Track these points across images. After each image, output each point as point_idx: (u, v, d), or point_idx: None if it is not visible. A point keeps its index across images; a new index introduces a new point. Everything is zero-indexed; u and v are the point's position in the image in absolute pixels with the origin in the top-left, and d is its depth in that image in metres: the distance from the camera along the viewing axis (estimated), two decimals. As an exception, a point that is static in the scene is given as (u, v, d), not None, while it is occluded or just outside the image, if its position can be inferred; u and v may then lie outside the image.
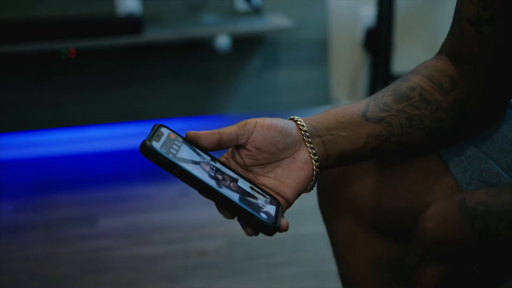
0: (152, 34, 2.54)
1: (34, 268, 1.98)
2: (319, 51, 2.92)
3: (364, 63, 3.04)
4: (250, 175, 0.80)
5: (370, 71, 2.95)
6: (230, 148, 0.81)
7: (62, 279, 1.92)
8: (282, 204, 0.78)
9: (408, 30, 3.01)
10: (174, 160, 0.73)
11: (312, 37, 2.89)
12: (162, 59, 2.81)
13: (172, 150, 0.75)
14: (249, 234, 0.75)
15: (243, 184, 0.78)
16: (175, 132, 0.79)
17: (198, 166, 0.75)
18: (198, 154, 0.78)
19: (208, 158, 0.79)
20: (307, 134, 0.80)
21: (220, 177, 0.76)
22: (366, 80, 3.01)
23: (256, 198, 0.76)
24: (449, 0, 2.96)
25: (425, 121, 0.84)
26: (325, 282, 1.80)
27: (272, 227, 0.74)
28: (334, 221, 0.98)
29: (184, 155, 0.75)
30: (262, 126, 0.78)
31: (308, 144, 0.79)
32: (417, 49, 3.06)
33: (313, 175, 0.80)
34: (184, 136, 0.79)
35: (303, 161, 0.79)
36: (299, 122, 0.80)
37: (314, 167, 0.79)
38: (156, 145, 0.74)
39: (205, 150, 0.79)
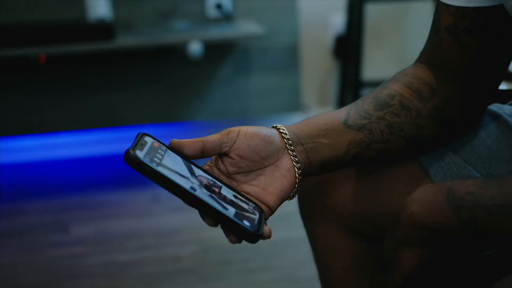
0: (123, 40, 2.53)
1: (4, 277, 1.95)
2: (290, 58, 2.94)
3: (334, 70, 3.07)
4: (233, 183, 0.81)
5: (340, 78, 2.98)
6: (214, 156, 0.81)
7: (34, 287, 1.90)
8: (265, 211, 0.79)
9: (377, 37, 3.05)
10: (158, 169, 0.74)
11: (283, 44, 2.91)
12: (133, 66, 2.80)
13: (155, 159, 0.75)
14: (232, 242, 0.76)
15: (226, 192, 0.78)
16: (158, 141, 0.79)
17: (181, 174, 0.76)
18: (182, 163, 0.78)
19: (192, 166, 0.79)
20: (289, 142, 0.81)
21: (203, 185, 0.77)
22: (336, 87, 3.04)
23: (239, 206, 0.77)
24: (417, 8, 3.01)
25: (405, 128, 0.85)
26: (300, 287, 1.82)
27: (255, 234, 0.75)
28: (315, 227, 0.99)
29: (168, 164, 0.76)
30: (245, 134, 0.79)
31: (290, 152, 0.80)
32: (386, 57, 3.10)
33: (296, 183, 0.81)
34: (167, 144, 0.80)
35: (285, 169, 0.80)
36: (281, 130, 0.81)
37: (297, 175, 0.81)
38: (140, 154, 0.74)
39: (189, 158, 0.80)
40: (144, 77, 2.82)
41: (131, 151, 0.73)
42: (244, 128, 0.79)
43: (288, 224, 2.02)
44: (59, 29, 2.52)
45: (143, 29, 2.73)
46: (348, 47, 2.83)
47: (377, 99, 0.87)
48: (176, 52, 2.77)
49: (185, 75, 2.85)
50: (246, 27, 2.72)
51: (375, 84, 2.92)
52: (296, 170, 0.80)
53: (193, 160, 0.80)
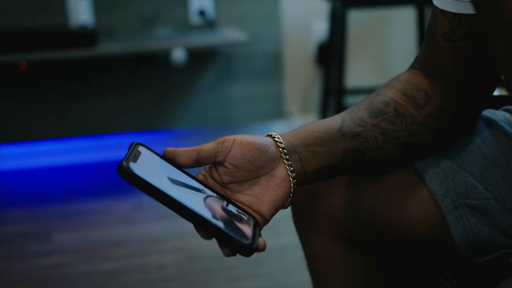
0: (105, 47, 2.52)
1: (-13, 286, 1.93)
2: (273, 65, 2.94)
3: (317, 77, 3.08)
4: (228, 192, 0.80)
5: (322, 85, 2.98)
6: (208, 165, 0.81)
7: (17, 296, 1.88)
8: (259, 221, 0.78)
9: (360, 45, 3.06)
10: (152, 182, 0.72)
11: (266, 51, 2.91)
12: (115, 73, 2.78)
13: (149, 170, 0.74)
14: (227, 255, 0.75)
15: (220, 202, 0.77)
16: (152, 150, 0.78)
17: (175, 186, 0.75)
18: (176, 173, 0.77)
19: (186, 175, 0.78)
20: (285, 151, 0.80)
21: (198, 197, 0.76)
22: (319, 94, 3.05)
23: (233, 218, 0.76)
24: (399, 16, 3.03)
25: (400, 136, 0.85)
26: (286, 295, 1.81)
27: (249, 248, 0.73)
28: (309, 235, 0.98)
29: (162, 175, 0.75)
30: (240, 144, 0.78)
31: (285, 162, 0.80)
32: (369, 64, 3.12)
33: (291, 192, 0.80)
34: (161, 153, 0.79)
35: (280, 178, 0.79)
36: (276, 139, 0.80)
37: (292, 184, 0.80)
38: (134, 166, 0.72)
39: (183, 168, 0.79)
40: (127, 84, 2.80)
41: (125, 164, 0.72)
42: (239, 137, 0.78)
43: (275, 231, 2.02)
44: (41, 35, 2.49)
45: (125, 36, 2.71)
46: (331, 55, 2.84)
47: (371, 106, 0.86)
48: (158, 59, 2.76)
49: (168, 82, 2.84)
50: (229, 34, 2.72)
51: (358, 91, 2.94)
52: (291, 179, 0.80)
53: (187, 169, 0.80)
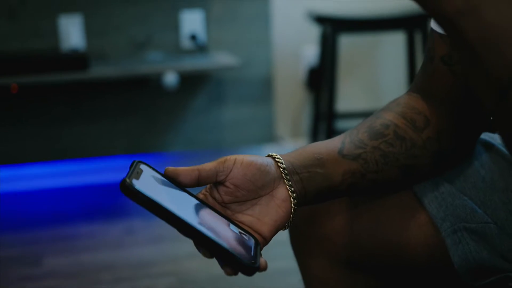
0: (97, 71, 2.52)
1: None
2: (264, 89, 2.95)
3: (307, 101, 3.09)
4: (228, 212, 0.80)
5: (313, 110, 2.99)
6: (209, 185, 0.81)
7: (6, 321, 1.86)
8: (260, 241, 0.79)
9: (350, 69, 3.08)
10: (154, 198, 0.72)
11: (257, 75, 2.93)
12: (106, 96, 2.79)
13: (151, 187, 0.74)
14: (228, 274, 0.75)
15: (221, 222, 0.77)
16: (153, 169, 0.78)
17: (177, 203, 0.75)
18: (177, 191, 0.77)
19: (187, 194, 0.78)
20: (285, 171, 0.80)
21: (198, 215, 0.76)
22: (309, 118, 3.06)
23: (235, 237, 0.76)
24: (390, 41, 3.06)
25: (400, 158, 0.85)
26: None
27: (251, 267, 0.74)
28: (307, 258, 0.98)
29: (163, 192, 0.75)
30: (242, 163, 0.78)
31: (286, 182, 0.80)
32: (359, 88, 3.14)
33: (291, 213, 0.80)
34: (162, 172, 0.79)
35: (281, 199, 0.80)
36: (277, 159, 0.81)
37: (292, 205, 0.80)
38: (136, 183, 0.73)
39: (184, 187, 0.79)
40: (118, 108, 2.80)
41: (128, 180, 0.72)
42: (240, 157, 0.79)
43: (270, 255, 2.01)
44: (32, 59, 2.50)
45: (117, 60, 2.72)
46: (321, 79, 2.86)
47: (371, 128, 0.87)
48: (150, 83, 2.76)
49: (159, 106, 2.84)
50: (220, 59, 2.73)
51: (349, 115, 2.96)
52: (292, 200, 0.80)
53: (187, 188, 0.80)
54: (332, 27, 2.67)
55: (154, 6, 2.75)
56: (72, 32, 2.66)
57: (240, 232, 0.78)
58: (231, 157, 0.79)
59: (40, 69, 2.47)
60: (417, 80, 0.91)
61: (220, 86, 2.89)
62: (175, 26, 2.79)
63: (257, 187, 0.79)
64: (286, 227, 0.82)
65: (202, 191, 0.81)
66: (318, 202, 0.85)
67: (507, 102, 0.59)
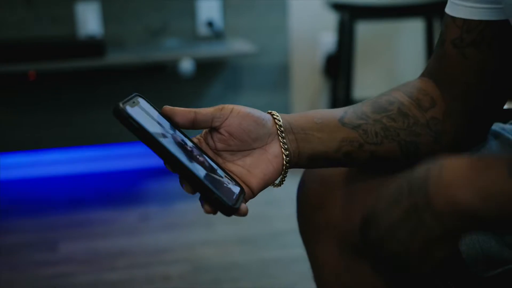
0: (114, 58, 2.53)
1: (-8, 295, 1.92)
2: (280, 76, 2.94)
3: (324, 88, 3.07)
4: (220, 160, 0.81)
5: (330, 97, 2.98)
6: (204, 131, 0.82)
7: (22, 306, 1.87)
8: (246, 193, 0.79)
9: (367, 56, 3.05)
10: (146, 126, 0.73)
11: (273, 62, 2.91)
12: (123, 83, 2.79)
13: (145, 118, 0.75)
14: (207, 212, 0.76)
15: (210, 164, 0.78)
16: (151, 104, 0.79)
17: (168, 138, 0.75)
18: (171, 129, 0.78)
19: (181, 134, 0.79)
20: (281, 129, 0.81)
21: (188, 153, 0.76)
22: (326, 106, 3.04)
23: (220, 179, 0.77)
24: (408, 28, 3.03)
25: (400, 134, 0.85)
26: (292, 307, 1.80)
27: (230, 207, 0.74)
28: (316, 245, 0.97)
29: (156, 126, 0.76)
30: (239, 113, 0.79)
31: (281, 139, 0.81)
32: (377, 75, 3.11)
33: (282, 170, 0.81)
34: (160, 110, 0.80)
35: (273, 154, 0.80)
36: (275, 116, 0.82)
37: (284, 162, 0.81)
38: (130, 109, 0.73)
39: (179, 127, 0.79)
40: (134, 95, 2.80)
41: (121, 105, 0.73)
42: (238, 107, 0.80)
43: (279, 243, 2.01)
44: (49, 45, 2.50)
45: (133, 47, 2.72)
46: (339, 66, 2.84)
47: (376, 103, 0.87)
48: (166, 69, 2.76)
49: (175, 93, 2.84)
50: (237, 46, 2.72)
51: (365, 103, 2.93)
52: (284, 157, 0.81)
53: (183, 130, 0.81)
54: (350, 14, 2.65)
55: (171, -8, 2.75)
56: (89, 19, 2.66)
57: (226, 177, 0.79)
58: (229, 106, 0.80)
59: (57, 56, 2.48)
60: (428, 63, 0.91)
61: (236, 73, 2.89)
62: (191, 13, 2.78)
63: (250, 139, 0.79)
64: (277, 185, 0.83)
65: (197, 136, 0.82)
66: (311, 167, 0.85)
67: None
